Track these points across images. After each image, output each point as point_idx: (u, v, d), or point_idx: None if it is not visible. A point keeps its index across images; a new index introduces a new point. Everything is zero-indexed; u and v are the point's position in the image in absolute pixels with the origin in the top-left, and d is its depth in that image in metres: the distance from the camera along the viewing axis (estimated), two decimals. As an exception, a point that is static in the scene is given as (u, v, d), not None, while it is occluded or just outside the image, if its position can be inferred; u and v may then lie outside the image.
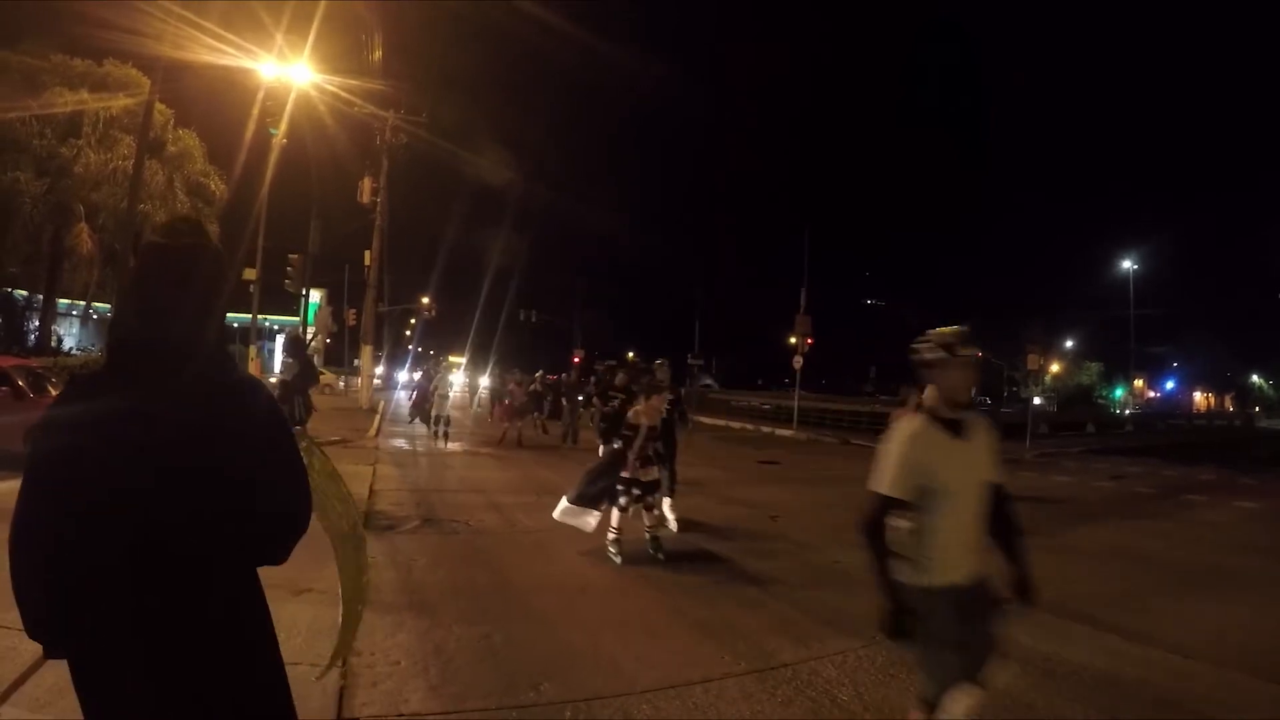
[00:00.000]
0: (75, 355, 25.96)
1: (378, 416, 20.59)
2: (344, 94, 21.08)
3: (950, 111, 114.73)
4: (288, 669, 1.65)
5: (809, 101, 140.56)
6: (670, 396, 7.35)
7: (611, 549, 6.54)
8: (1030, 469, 16.34)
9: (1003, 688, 4.10)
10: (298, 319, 31.88)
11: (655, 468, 6.94)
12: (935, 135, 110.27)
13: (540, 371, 20.19)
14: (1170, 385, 79.60)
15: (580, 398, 17.01)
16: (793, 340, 26.99)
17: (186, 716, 1.43)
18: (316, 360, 18.14)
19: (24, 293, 31.70)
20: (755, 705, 3.79)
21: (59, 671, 1.47)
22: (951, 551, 2.63)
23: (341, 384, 37.65)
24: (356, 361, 29.80)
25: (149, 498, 1.40)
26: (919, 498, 2.60)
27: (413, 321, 48.99)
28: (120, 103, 23.83)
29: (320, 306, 32.10)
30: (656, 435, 6.94)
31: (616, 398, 10.91)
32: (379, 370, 38.19)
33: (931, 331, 2.72)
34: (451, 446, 15.52)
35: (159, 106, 21.09)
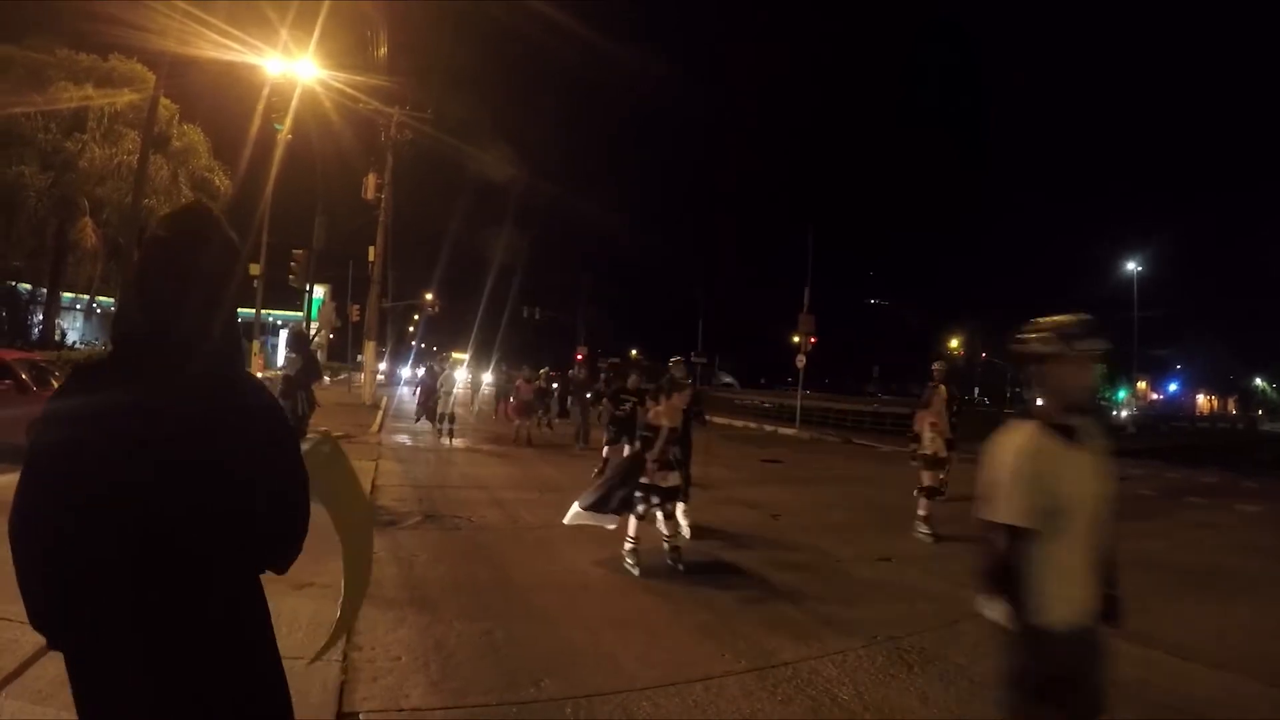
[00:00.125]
0: (79, 349, 26.00)
1: (380, 412, 20.62)
2: (349, 90, 21.08)
3: (950, 111, 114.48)
4: (288, 663, 1.65)
5: (809, 101, 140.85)
6: (690, 395, 7.01)
7: (629, 560, 6.17)
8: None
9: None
10: (301, 314, 31.97)
11: (675, 473, 6.54)
12: (935, 135, 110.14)
13: (546, 368, 20.18)
14: (1173, 387, 79.52)
15: (589, 395, 16.91)
16: (795, 339, 26.96)
17: (185, 714, 1.42)
18: (319, 356, 18.14)
19: (28, 286, 31.84)
20: (755, 703, 3.79)
21: (60, 664, 1.47)
22: (1069, 583, 2.20)
23: (342, 377, 37.64)
24: (360, 357, 29.80)
25: (149, 493, 1.39)
26: (1041, 522, 2.15)
27: (416, 318, 49.14)
28: (125, 98, 23.89)
29: (324, 302, 32.20)
30: (677, 437, 6.58)
31: (629, 401, 10.87)
32: (382, 366, 38.27)
33: (1042, 319, 2.28)
34: (455, 443, 15.53)
35: (164, 102, 21.16)
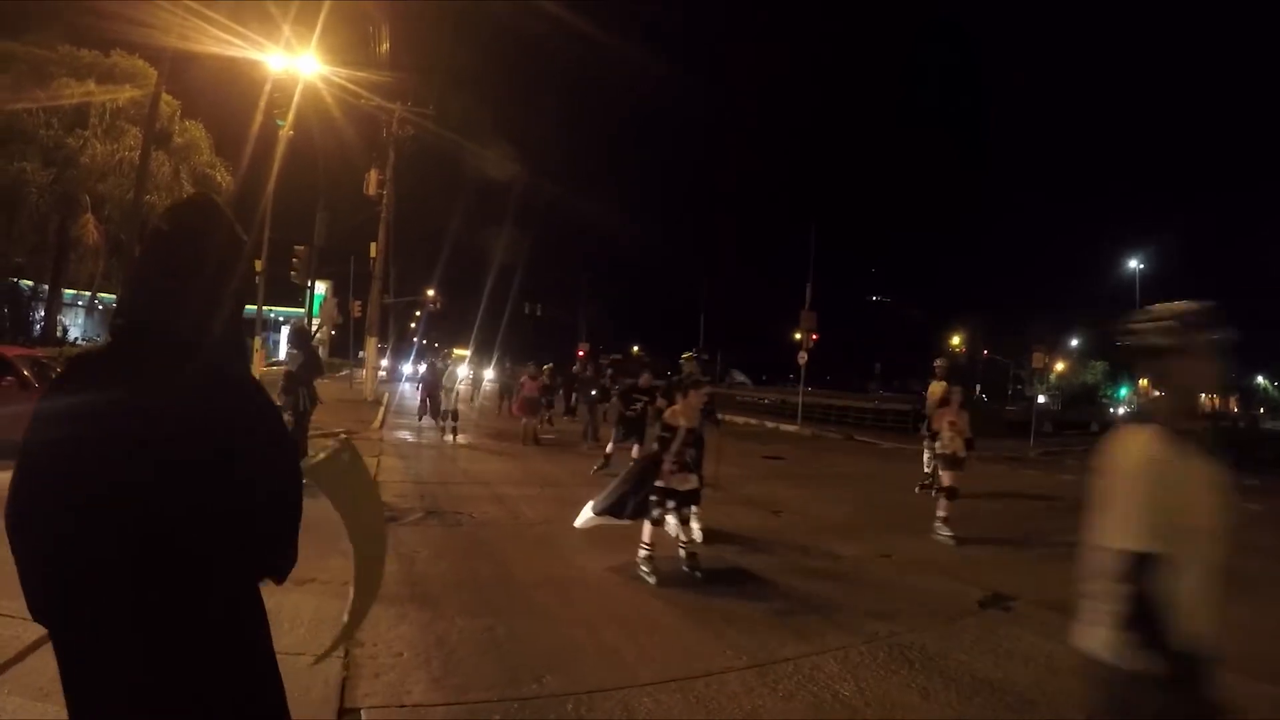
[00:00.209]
0: (81, 345, 26.03)
1: (382, 408, 20.63)
2: (351, 86, 21.04)
3: (950, 111, 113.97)
4: (290, 660, 1.64)
5: (809, 101, 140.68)
6: (708, 394, 6.63)
7: (644, 568, 5.82)
8: (1034, 467, 16.32)
9: (1006, 684, 4.11)
10: (303, 310, 31.99)
11: (693, 475, 6.19)
12: (935, 135, 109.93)
13: (549, 365, 20.15)
14: (1175, 385, 79.38)
15: (594, 392, 16.85)
16: (797, 336, 26.95)
17: (186, 714, 1.42)
18: (321, 352, 18.15)
19: (30, 283, 31.86)
20: (756, 699, 3.80)
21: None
22: (1197, 613, 1.85)
23: (344, 373, 37.66)
24: (361, 353, 29.82)
25: (149, 492, 1.38)
26: (1169, 545, 1.81)
27: (418, 314, 49.13)
28: (127, 94, 23.90)
29: (326, 298, 32.14)
30: (695, 438, 6.23)
31: (640, 400, 10.82)
32: (384, 363, 38.27)
33: (1159, 306, 1.98)
34: (458, 440, 15.52)
35: (166, 98, 21.15)
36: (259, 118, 18.01)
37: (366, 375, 26.28)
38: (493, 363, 39.47)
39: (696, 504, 6.34)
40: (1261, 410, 66.22)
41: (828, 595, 5.70)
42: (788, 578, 6.13)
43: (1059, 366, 54.36)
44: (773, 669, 4.17)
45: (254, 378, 1.65)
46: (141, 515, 1.37)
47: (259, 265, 23.03)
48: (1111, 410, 55.77)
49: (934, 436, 8.61)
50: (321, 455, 1.90)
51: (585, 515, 6.24)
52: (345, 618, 1.98)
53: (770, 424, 27.03)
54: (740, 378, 72.59)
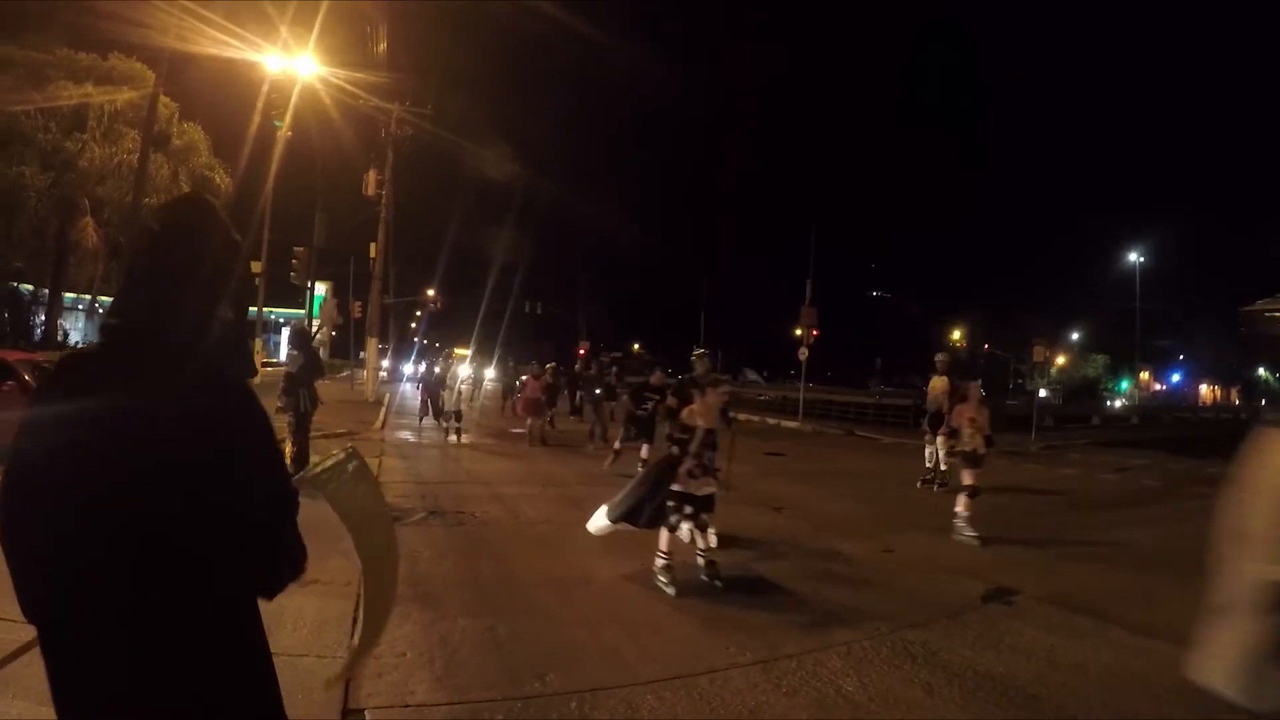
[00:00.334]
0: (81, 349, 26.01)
1: (383, 409, 20.63)
2: (349, 86, 21.04)
3: (950, 111, 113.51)
4: (295, 660, 1.64)
5: (809, 101, 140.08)
6: (726, 393, 6.34)
7: (662, 578, 5.53)
8: (1036, 461, 16.30)
9: (1009, 678, 4.11)
10: (303, 312, 32.01)
11: (712, 480, 5.88)
12: (935, 135, 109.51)
13: (552, 363, 20.12)
14: (1176, 378, 79.46)
15: (598, 390, 16.77)
16: (798, 332, 26.95)
17: (185, 714, 1.41)
18: (322, 353, 18.15)
19: (30, 287, 31.90)
20: (760, 695, 3.80)
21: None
22: None
23: (345, 374, 37.69)
24: (362, 354, 29.83)
25: (147, 493, 1.37)
26: None
27: (418, 314, 49.17)
28: (125, 96, 23.91)
29: (326, 299, 32.16)
30: (713, 440, 5.92)
31: (651, 400, 10.77)
32: (385, 363, 38.30)
33: None
34: (460, 440, 15.50)
35: (164, 100, 21.16)
36: (257, 119, 18.04)
37: (367, 376, 26.30)
38: (494, 362, 39.51)
39: (711, 510, 5.98)
40: (1263, 402, 66.13)
41: (830, 591, 5.70)
42: (790, 574, 6.12)
43: (1060, 360, 54.32)
44: (776, 665, 4.17)
45: (247, 386, 1.62)
46: (140, 515, 1.37)
47: (258, 266, 23.08)
48: (1109, 404, 55.84)
49: (953, 434, 8.54)
50: (325, 463, 1.81)
51: (600, 521, 6.00)
52: (355, 641, 1.88)
53: (771, 420, 27.02)
54: (753, 376, 72.54)
